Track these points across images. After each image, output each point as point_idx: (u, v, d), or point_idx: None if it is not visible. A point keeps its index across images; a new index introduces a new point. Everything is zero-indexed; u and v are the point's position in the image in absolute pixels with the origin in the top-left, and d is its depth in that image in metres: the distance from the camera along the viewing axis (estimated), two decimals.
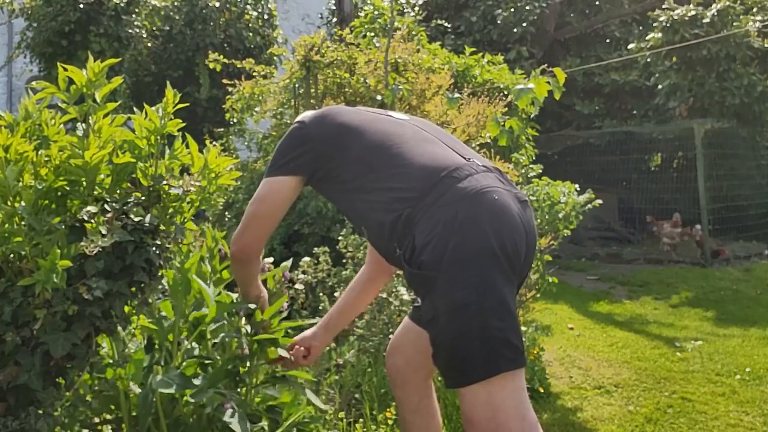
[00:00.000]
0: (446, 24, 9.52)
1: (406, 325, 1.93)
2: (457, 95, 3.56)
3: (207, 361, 1.90)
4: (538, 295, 3.76)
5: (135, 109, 1.70)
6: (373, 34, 5.42)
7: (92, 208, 1.51)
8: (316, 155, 1.70)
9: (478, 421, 1.46)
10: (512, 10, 10.09)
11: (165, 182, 1.63)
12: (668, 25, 8.51)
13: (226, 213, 4.55)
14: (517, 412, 1.46)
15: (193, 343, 1.98)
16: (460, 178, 1.53)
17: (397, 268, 1.81)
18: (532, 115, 3.42)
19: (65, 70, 1.59)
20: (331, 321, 2.02)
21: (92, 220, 1.49)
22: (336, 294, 3.09)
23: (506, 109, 4.29)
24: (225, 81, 5.24)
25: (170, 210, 1.66)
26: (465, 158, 1.62)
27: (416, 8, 7.81)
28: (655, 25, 8.77)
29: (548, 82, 2.70)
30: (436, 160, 1.59)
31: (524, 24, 10.02)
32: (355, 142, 1.68)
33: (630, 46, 9.64)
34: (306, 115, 1.90)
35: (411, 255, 1.51)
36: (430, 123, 1.88)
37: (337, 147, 1.69)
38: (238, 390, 1.89)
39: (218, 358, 1.91)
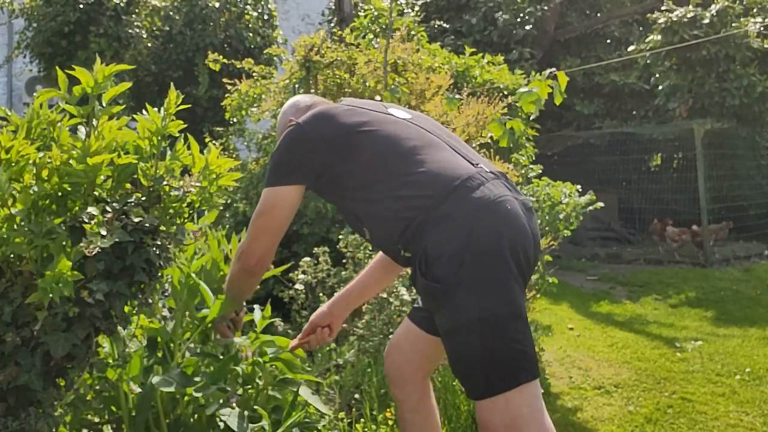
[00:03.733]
0: (445, 25, 9.52)
1: (407, 326, 1.93)
2: (457, 96, 3.56)
3: (212, 360, 1.90)
4: (538, 296, 3.76)
5: (141, 107, 1.70)
6: (372, 35, 5.42)
7: (93, 210, 1.51)
8: (320, 160, 1.66)
9: (496, 429, 1.48)
10: (513, 10, 10.09)
11: (165, 183, 1.63)
12: (667, 26, 8.51)
13: (226, 213, 4.54)
14: (535, 419, 1.48)
15: (195, 344, 1.98)
16: (473, 187, 1.53)
17: (403, 267, 1.80)
18: (531, 117, 3.42)
19: (68, 70, 1.60)
20: (352, 296, 2.01)
21: (92, 221, 1.49)
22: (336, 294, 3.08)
23: (506, 109, 4.29)
24: (225, 80, 5.24)
25: (170, 210, 1.66)
26: (473, 164, 1.62)
27: (416, 8, 7.80)
28: (654, 27, 8.77)
29: (551, 86, 2.70)
30: (448, 169, 1.58)
31: (526, 27, 10.01)
32: (361, 145, 1.65)
33: (630, 48, 9.63)
34: (298, 110, 1.84)
35: (425, 265, 1.50)
36: (432, 120, 1.86)
37: (341, 151, 1.65)
38: (243, 391, 1.89)
39: (222, 357, 1.92)
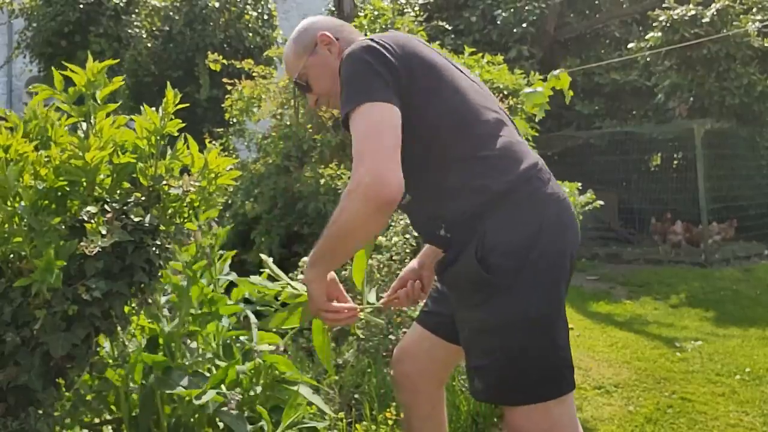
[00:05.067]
0: (446, 25, 9.51)
1: (420, 332, 1.78)
2: None
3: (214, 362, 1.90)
4: None
5: (140, 107, 1.70)
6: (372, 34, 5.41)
7: (92, 209, 1.51)
8: (398, 88, 1.39)
9: None
10: (512, 10, 10.09)
11: (165, 182, 1.63)
12: (668, 24, 8.50)
13: (226, 213, 4.55)
14: (571, 429, 1.44)
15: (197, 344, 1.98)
16: (545, 180, 1.45)
17: (436, 247, 1.57)
18: (537, 119, 3.42)
19: (65, 69, 1.60)
20: (428, 262, 1.80)
21: (92, 221, 1.49)
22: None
23: (506, 109, 4.28)
24: (225, 81, 5.24)
25: (170, 210, 1.66)
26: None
27: (416, 8, 7.80)
28: (654, 24, 8.77)
29: (553, 89, 2.72)
30: (524, 155, 1.46)
31: (524, 24, 10.02)
32: (439, 93, 1.44)
33: (630, 45, 9.63)
34: (332, 27, 1.64)
35: (481, 252, 1.36)
36: (489, 91, 1.63)
37: (419, 88, 1.42)
38: (244, 391, 1.89)
39: (223, 358, 1.92)
